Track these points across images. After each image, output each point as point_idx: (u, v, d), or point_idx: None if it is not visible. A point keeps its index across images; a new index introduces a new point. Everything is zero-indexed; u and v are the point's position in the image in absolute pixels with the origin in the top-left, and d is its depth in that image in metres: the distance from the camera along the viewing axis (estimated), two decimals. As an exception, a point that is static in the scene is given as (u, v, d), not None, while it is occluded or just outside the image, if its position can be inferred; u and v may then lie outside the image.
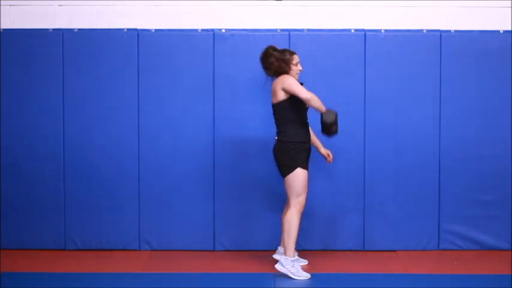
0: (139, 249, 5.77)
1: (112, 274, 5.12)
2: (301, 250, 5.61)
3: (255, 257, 5.55)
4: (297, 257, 5.21)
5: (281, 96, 4.97)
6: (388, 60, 5.69)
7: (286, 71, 5.03)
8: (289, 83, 4.94)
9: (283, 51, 5.08)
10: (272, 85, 5.05)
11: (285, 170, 5.00)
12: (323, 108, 4.98)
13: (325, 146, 5.43)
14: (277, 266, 4.99)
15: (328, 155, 5.40)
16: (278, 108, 5.02)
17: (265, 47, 5.09)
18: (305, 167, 5.02)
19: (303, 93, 4.90)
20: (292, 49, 5.23)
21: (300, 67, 5.09)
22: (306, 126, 5.09)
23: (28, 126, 5.71)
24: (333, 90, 5.66)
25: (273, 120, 5.09)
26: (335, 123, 4.96)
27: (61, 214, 5.74)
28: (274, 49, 5.07)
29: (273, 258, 5.27)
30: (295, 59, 5.07)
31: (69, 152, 5.71)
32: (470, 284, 4.89)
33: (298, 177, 4.97)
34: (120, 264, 5.39)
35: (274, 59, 5.02)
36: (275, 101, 5.01)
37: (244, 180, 5.71)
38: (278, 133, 5.07)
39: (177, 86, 5.70)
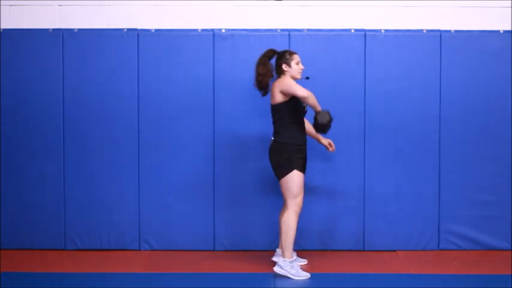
0: (139, 249, 5.77)
1: (112, 274, 5.12)
2: (301, 250, 5.62)
3: (255, 257, 5.54)
4: (295, 257, 5.21)
5: (279, 98, 4.96)
6: (388, 61, 5.68)
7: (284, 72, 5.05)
8: (287, 83, 4.93)
9: (283, 52, 5.07)
10: (272, 86, 5.05)
11: (281, 171, 4.98)
12: (318, 108, 4.97)
13: (324, 148, 5.42)
14: (276, 269, 4.99)
15: (330, 144, 5.37)
16: (276, 110, 5.01)
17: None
18: (302, 170, 5.00)
19: (299, 91, 4.88)
20: (292, 49, 5.23)
21: (301, 66, 5.07)
22: (303, 129, 5.07)
23: (28, 126, 5.71)
24: (333, 90, 5.66)
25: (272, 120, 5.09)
26: (329, 123, 4.96)
27: (61, 214, 5.74)
28: (273, 52, 5.08)
29: (272, 260, 5.28)
30: (296, 58, 5.07)
31: (69, 152, 5.71)
32: (470, 284, 4.89)
33: (295, 179, 4.95)
34: (120, 264, 5.39)
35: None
36: (273, 102, 5.01)
37: (245, 180, 5.70)
38: (275, 134, 5.06)
39: (177, 86, 5.70)
